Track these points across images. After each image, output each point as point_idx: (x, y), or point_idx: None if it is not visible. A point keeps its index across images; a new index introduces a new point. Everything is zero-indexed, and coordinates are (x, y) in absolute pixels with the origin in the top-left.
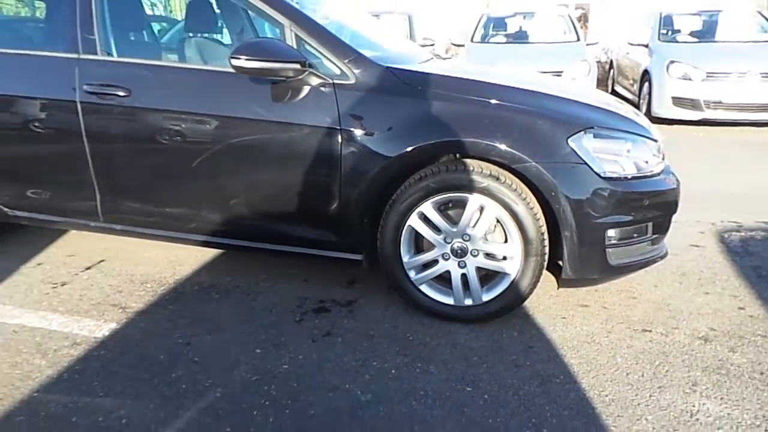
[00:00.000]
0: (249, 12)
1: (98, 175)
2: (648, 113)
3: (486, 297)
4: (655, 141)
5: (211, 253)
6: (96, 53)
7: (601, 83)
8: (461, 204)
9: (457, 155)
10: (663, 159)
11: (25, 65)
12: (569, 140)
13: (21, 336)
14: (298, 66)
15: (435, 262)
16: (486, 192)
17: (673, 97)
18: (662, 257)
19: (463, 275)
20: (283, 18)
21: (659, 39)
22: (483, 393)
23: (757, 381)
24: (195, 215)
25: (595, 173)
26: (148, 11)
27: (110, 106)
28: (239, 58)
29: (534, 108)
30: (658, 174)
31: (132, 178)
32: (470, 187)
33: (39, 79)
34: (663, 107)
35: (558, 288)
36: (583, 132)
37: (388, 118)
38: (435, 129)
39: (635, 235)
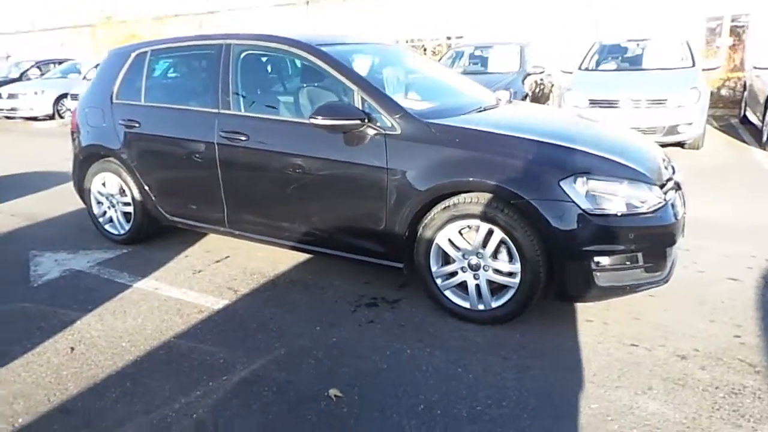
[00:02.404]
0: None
1: (226, 194)
2: None
3: (495, 304)
4: (654, 184)
5: (302, 256)
6: (229, 109)
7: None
8: (476, 228)
9: (471, 191)
10: (666, 198)
11: (187, 116)
12: (560, 182)
13: (166, 303)
14: (358, 121)
15: (456, 273)
16: (492, 221)
17: None
18: (660, 283)
19: (477, 285)
20: (353, 85)
21: None
22: (469, 373)
23: (708, 393)
24: (288, 227)
25: (583, 210)
26: (271, 72)
27: (235, 147)
28: (317, 118)
29: (535, 156)
30: (653, 212)
31: (247, 197)
32: (481, 216)
33: (194, 126)
34: None
35: (555, 301)
36: (573, 176)
37: (422, 161)
38: (452, 171)
39: (627, 262)
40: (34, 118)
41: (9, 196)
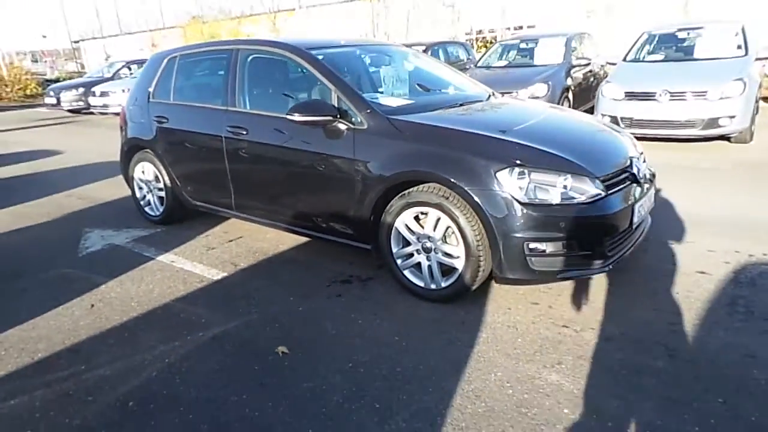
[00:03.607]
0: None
1: (233, 181)
2: None
3: (444, 284)
4: (594, 176)
5: (303, 239)
6: (235, 107)
7: None
8: (427, 215)
9: (423, 181)
10: (606, 189)
11: (204, 113)
12: (497, 173)
13: (177, 273)
14: (330, 117)
15: (412, 255)
16: (440, 208)
17: None
18: (600, 271)
19: (430, 266)
20: (331, 84)
21: None
22: (403, 342)
23: (612, 370)
24: (280, 211)
25: (516, 199)
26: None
27: (238, 140)
28: (293, 114)
29: (477, 148)
30: (590, 203)
31: (248, 184)
32: (430, 203)
33: (208, 121)
34: None
35: (496, 283)
36: (509, 168)
37: (383, 153)
38: (406, 162)
39: (562, 249)
40: None
41: (82, 182)
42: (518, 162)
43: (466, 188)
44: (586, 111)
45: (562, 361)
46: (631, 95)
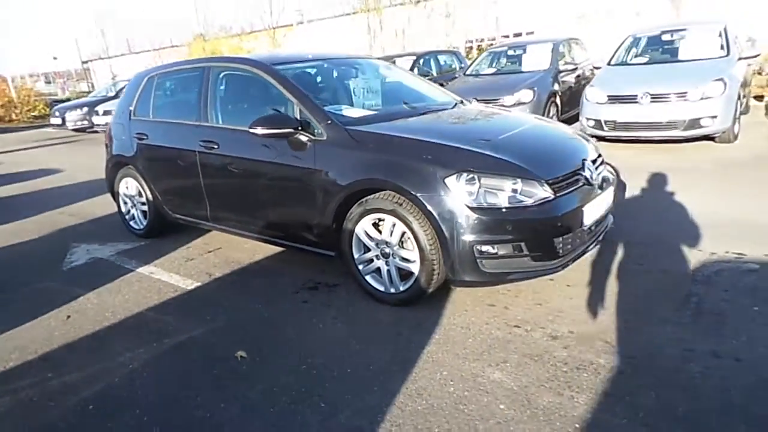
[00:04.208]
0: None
1: (207, 194)
2: None
3: (402, 288)
4: (542, 179)
5: (278, 248)
6: (207, 121)
7: None
8: (384, 221)
9: (379, 189)
10: (555, 192)
11: (179, 129)
12: (445, 180)
13: (154, 284)
14: (291, 129)
15: (372, 260)
16: (394, 214)
17: None
18: (552, 272)
19: (389, 271)
20: (293, 97)
21: None
22: (359, 344)
23: (554, 367)
24: (250, 220)
25: (464, 204)
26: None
27: (210, 153)
28: (255, 128)
29: (427, 156)
30: (538, 205)
31: (221, 196)
32: (385, 210)
33: (183, 137)
34: None
35: (452, 286)
36: (456, 174)
37: (341, 163)
38: (362, 171)
39: (513, 251)
40: None
41: (76, 199)
42: (465, 168)
43: (416, 194)
44: (575, 115)
45: (508, 360)
46: (613, 98)
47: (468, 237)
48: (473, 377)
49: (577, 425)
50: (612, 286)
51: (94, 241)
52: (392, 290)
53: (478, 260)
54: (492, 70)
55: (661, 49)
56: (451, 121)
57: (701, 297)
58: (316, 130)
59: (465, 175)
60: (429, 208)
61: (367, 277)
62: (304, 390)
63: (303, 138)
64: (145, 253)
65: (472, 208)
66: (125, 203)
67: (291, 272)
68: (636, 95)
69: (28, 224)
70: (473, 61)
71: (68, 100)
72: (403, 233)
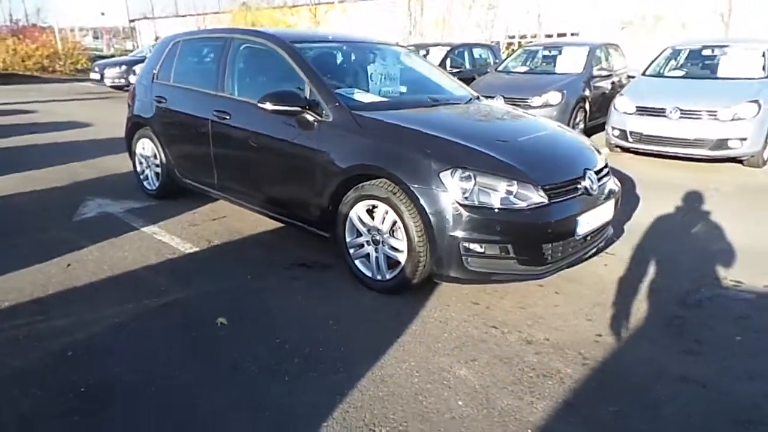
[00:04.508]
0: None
1: (216, 162)
2: None
3: (388, 276)
4: (538, 184)
5: (280, 225)
6: (223, 92)
7: None
8: (377, 208)
9: (375, 175)
10: (550, 198)
11: (196, 96)
12: (440, 174)
13: (155, 244)
14: (298, 108)
15: (363, 245)
16: (387, 202)
17: None
18: (537, 277)
19: (377, 258)
20: (305, 77)
21: None
22: (335, 325)
23: (521, 371)
24: (254, 193)
25: (455, 200)
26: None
27: (222, 123)
28: (265, 103)
29: (426, 148)
30: (530, 209)
31: (229, 166)
32: (379, 197)
33: (199, 104)
34: None
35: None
36: (452, 169)
37: (343, 146)
38: (361, 156)
39: (499, 252)
40: None
41: (100, 154)
42: (461, 164)
43: (410, 185)
44: (601, 123)
45: (477, 359)
46: (642, 110)
47: (456, 233)
48: (439, 371)
49: (529, 430)
50: (601, 299)
51: (108, 197)
52: (379, 277)
53: (464, 257)
54: (524, 69)
55: (700, 64)
56: (460, 117)
57: (685, 320)
58: (323, 111)
59: (460, 171)
60: (421, 200)
61: (357, 262)
62: (273, 363)
63: (309, 117)
64: (153, 213)
65: (463, 205)
66: (141, 163)
67: (288, 248)
68: (665, 108)
69: (50, 173)
70: (506, 58)
71: (112, 56)
72: (395, 222)
